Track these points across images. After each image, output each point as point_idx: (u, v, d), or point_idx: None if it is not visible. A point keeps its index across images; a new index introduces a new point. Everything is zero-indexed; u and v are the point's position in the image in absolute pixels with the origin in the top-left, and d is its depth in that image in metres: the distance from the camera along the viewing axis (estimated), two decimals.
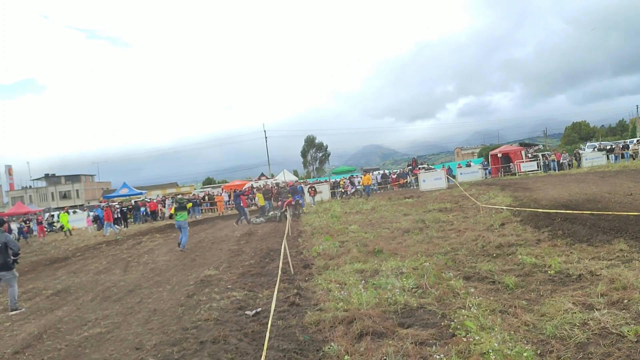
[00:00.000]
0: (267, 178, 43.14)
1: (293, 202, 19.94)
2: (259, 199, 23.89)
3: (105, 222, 23.94)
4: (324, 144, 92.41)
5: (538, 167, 31.91)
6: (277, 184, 33.10)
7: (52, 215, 38.55)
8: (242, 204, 23.02)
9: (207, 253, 12.66)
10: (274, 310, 5.57)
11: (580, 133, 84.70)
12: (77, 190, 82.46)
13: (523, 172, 31.73)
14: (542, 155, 34.15)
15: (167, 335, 5.57)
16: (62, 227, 28.83)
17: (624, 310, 4.41)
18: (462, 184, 24.98)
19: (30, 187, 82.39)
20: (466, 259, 7.68)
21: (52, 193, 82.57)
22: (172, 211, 13.99)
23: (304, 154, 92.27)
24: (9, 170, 77.06)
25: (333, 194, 32.40)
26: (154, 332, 5.84)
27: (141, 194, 43.10)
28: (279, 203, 21.59)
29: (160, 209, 33.59)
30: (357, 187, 32.28)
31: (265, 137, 59.96)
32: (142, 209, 33.26)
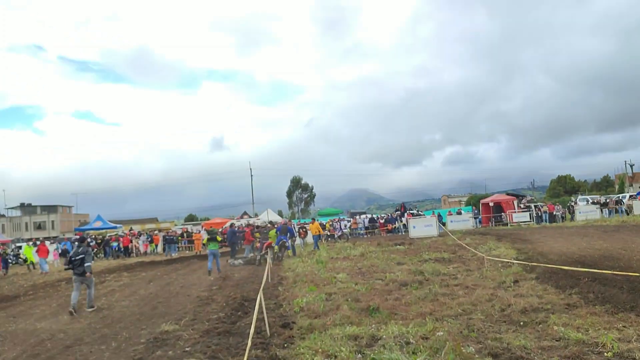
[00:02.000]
0: (250, 217, 41.57)
1: (274, 245, 18.32)
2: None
3: (40, 258, 21.97)
4: (310, 185, 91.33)
5: (530, 218, 30.94)
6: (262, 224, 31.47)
7: (19, 247, 36.14)
8: (243, 242, 21.92)
9: (172, 299, 10.96)
10: None
11: (565, 186, 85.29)
12: (52, 221, 79.58)
13: (515, 222, 30.69)
14: (534, 206, 33.22)
15: None
16: (25, 260, 26.96)
17: None
18: (454, 232, 23.77)
19: (4, 215, 79.28)
20: (485, 326, 6.15)
21: (27, 223, 79.58)
22: (205, 241, 16.44)
23: (289, 194, 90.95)
24: None
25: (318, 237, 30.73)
26: None
27: (115, 227, 40.91)
28: (259, 245, 19.92)
29: (135, 245, 31.65)
30: (344, 230, 30.81)
31: (251, 175, 58.65)
32: (115, 244, 31.23)
